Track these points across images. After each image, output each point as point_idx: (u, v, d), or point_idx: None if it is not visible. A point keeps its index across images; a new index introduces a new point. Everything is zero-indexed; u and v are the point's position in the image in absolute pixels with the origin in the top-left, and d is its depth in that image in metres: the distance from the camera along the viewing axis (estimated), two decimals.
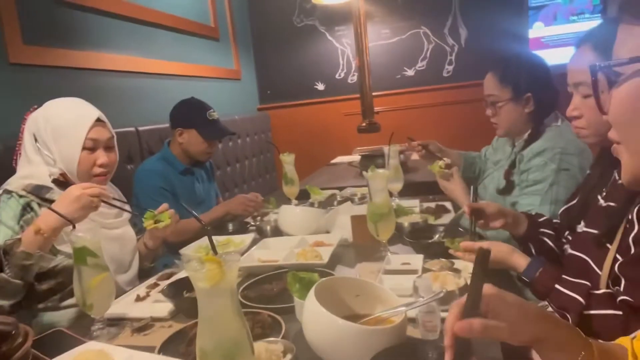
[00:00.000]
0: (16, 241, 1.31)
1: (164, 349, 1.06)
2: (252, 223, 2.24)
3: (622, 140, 0.74)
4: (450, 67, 4.51)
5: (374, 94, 4.02)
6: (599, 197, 1.23)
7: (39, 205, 1.49)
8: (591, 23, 3.57)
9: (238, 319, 0.80)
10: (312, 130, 4.80)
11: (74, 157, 1.56)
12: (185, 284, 1.36)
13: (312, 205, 2.40)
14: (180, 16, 3.50)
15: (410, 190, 2.41)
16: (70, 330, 1.21)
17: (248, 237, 1.84)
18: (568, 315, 1.03)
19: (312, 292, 0.96)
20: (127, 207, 1.70)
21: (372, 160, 2.80)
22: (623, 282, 0.98)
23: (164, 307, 1.32)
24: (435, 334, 1.00)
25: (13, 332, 0.82)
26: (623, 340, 0.76)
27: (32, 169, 1.55)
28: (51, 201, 1.41)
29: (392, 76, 4.63)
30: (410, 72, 4.61)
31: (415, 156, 2.90)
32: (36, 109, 1.62)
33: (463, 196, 1.81)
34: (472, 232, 1.41)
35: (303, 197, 2.54)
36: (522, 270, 1.23)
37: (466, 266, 1.33)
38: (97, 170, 1.61)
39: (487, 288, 0.71)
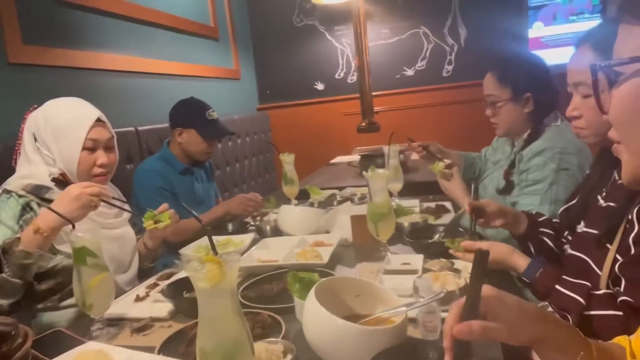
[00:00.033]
0: (15, 240, 1.31)
1: (163, 349, 1.05)
2: (252, 223, 2.23)
3: (622, 139, 0.74)
4: (450, 67, 4.51)
5: (373, 93, 4.02)
6: (599, 197, 1.23)
7: (39, 205, 1.48)
8: (591, 23, 3.57)
9: (238, 319, 0.79)
10: (311, 130, 4.80)
11: (73, 157, 1.56)
12: (184, 284, 1.36)
13: (311, 205, 2.40)
14: (180, 16, 3.50)
15: (410, 190, 2.40)
16: (69, 330, 1.20)
17: (248, 237, 1.84)
18: (568, 316, 1.03)
19: (312, 292, 0.95)
20: (126, 206, 1.70)
21: (372, 160, 2.80)
22: (623, 282, 0.98)
23: (164, 307, 1.31)
24: (435, 334, 1.00)
25: (13, 332, 0.82)
26: (621, 340, 0.76)
27: (32, 168, 1.55)
28: (51, 201, 1.41)
29: (392, 76, 4.63)
30: (409, 72, 4.61)
31: (415, 156, 2.89)
32: (36, 108, 1.62)
33: (463, 196, 1.81)
34: (472, 232, 1.41)
35: (303, 197, 2.53)
36: (522, 271, 1.23)
37: (466, 266, 1.33)
38: (97, 170, 1.61)
39: (486, 289, 0.70)
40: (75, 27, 2.49)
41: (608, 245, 1.06)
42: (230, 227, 2.17)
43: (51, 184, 1.53)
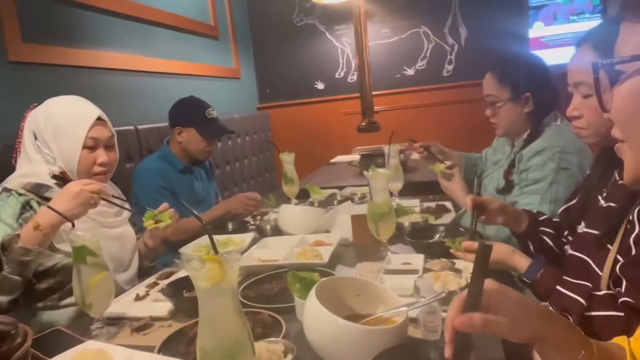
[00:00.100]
0: (15, 237, 1.31)
1: (163, 348, 1.05)
2: (252, 222, 2.23)
3: (625, 137, 0.74)
4: (450, 67, 4.51)
5: (373, 93, 4.02)
6: (600, 197, 1.23)
7: (39, 203, 1.48)
8: (591, 23, 3.57)
9: (239, 318, 0.79)
10: (311, 129, 4.80)
11: (74, 155, 1.56)
12: (184, 284, 1.35)
13: (312, 204, 2.40)
14: (180, 15, 3.49)
15: (410, 189, 2.40)
16: (69, 329, 1.20)
17: (248, 237, 1.84)
18: (569, 317, 1.03)
19: (313, 291, 0.95)
20: (126, 205, 1.69)
21: (372, 159, 2.80)
22: (624, 283, 0.98)
23: (164, 307, 1.31)
24: (436, 334, 1.00)
25: (12, 331, 0.82)
26: (620, 340, 0.76)
27: (32, 167, 1.55)
28: (50, 200, 1.41)
29: (392, 75, 4.62)
30: (410, 72, 4.60)
31: (415, 156, 2.89)
32: (36, 106, 1.62)
33: (463, 196, 1.81)
34: (473, 231, 1.41)
35: (303, 196, 2.53)
36: (522, 271, 1.23)
37: (467, 266, 1.33)
38: (97, 169, 1.60)
39: (489, 283, 0.70)
40: (75, 26, 2.48)
41: (609, 245, 1.06)
42: (230, 226, 2.17)
43: (51, 182, 1.53)
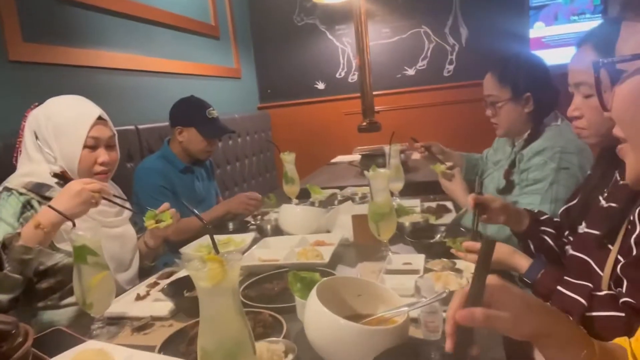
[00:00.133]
0: (15, 235, 1.30)
1: (164, 348, 1.05)
2: (253, 222, 2.23)
3: (626, 136, 0.74)
4: (451, 67, 4.51)
5: (374, 93, 4.02)
6: (600, 197, 1.23)
7: (39, 203, 1.48)
8: (592, 23, 3.56)
9: (240, 318, 0.79)
10: (312, 129, 4.80)
11: (74, 155, 1.56)
12: (185, 283, 1.36)
13: (312, 204, 2.40)
14: (181, 14, 3.49)
15: (411, 189, 2.40)
16: (69, 329, 1.20)
17: (248, 236, 1.83)
18: (570, 317, 1.02)
19: (314, 291, 0.95)
20: (127, 205, 1.69)
21: (373, 159, 2.80)
22: (625, 283, 0.98)
23: (164, 306, 1.31)
24: (437, 334, 1.00)
25: (13, 331, 0.82)
26: (621, 341, 0.76)
27: (33, 166, 1.55)
28: (51, 199, 1.41)
29: (393, 75, 4.62)
30: (410, 72, 4.60)
31: (415, 156, 2.89)
32: (37, 106, 1.62)
33: (464, 197, 1.81)
34: (474, 230, 1.40)
35: (303, 196, 2.53)
36: (523, 272, 1.23)
37: (468, 266, 1.33)
38: (98, 168, 1.60)
39: (492, 278, 0.70)
40: (75, 25, 2.48)
41: (609, 246, 1.06)
42: (230, 226, 2.17)
43: (52, 182, 1.53)
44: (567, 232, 1.41)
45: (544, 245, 1.43)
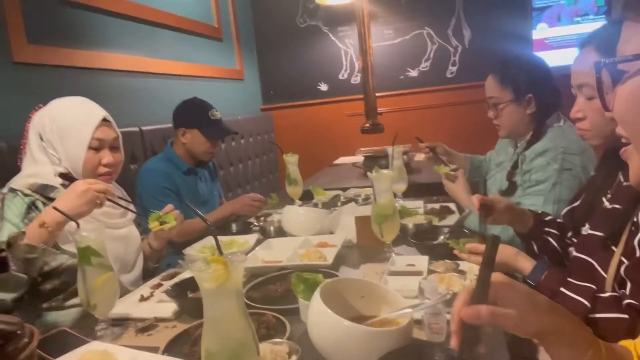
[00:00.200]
0: (20, 234, 1.31)
1: (168, 349, 1.06)
2: (256, 223, 2.23)
3: (629, 136, 0.74)
4: (454, 68, 4.51)
5: (377, 94, 4.01)
6: (604, 199, 1.23)
7: (44, 204, 1.49)
8: (595, 24, 3.58)
9: (243, 319, 0.79)
10: (315, 130, 4.80)
11: (79, 156, 1.56)
12: (189, 284, 1.36)
13: (315, 205, 2.40)
14: (184, 16, 3.50)
15: (414, 191, 2.40)
16: (73, 330, 1.20)
17: (252, 238, 1.84)
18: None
19: (317, 293, 0.95)
20: (131, 207, 1.70)
21: (376, 161, 2.79)
22: (629, 285, 0.97)
23: (168, 308, 1.31)
24: (441, 336, 1.00)
25: (19, 332, 0.82)
26: (626, 343, 0.76)
27: (38, 168, 1.55)
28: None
29: (396, 77, 4.62)
30: (413, 73, 4.60)
31: (419, 157, 2.89)
32: (41, 107, 1.62)
33: (466, 198, 1.81)
34: (482, 233, 1.40)
35: (307, 197, 2.53)
36: (527, 273, 1.23)
37: (471, 268, 1.33)
38: (103, 170, 1.61)
39: (497, 276, 0.70)
40: (79, 27, 2.49)
41: (613, 247, 1.06)
42: (234, 227, 2.18)
43: (56, 183, 1.53)
44: (570, 234, 1.41)
45: (548, 246, 1.43)
